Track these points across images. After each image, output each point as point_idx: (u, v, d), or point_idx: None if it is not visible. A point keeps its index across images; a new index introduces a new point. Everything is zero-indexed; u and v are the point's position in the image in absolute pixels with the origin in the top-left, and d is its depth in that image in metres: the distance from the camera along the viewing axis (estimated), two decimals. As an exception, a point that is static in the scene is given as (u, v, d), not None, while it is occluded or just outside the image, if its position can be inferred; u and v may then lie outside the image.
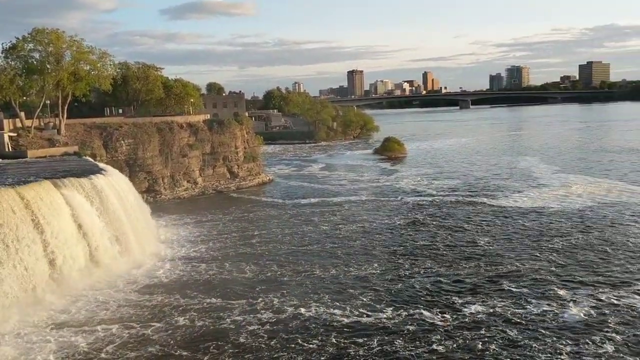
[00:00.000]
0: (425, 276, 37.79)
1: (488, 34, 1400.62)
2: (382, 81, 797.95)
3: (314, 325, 30.00)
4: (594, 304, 31.79)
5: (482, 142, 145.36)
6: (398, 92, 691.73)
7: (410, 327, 29.38)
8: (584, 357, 25.88)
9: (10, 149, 58.86)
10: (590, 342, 27.16)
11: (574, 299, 32.75)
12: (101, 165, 53.44)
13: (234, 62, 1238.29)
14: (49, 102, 71.26)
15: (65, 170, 45.84)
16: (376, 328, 29.51)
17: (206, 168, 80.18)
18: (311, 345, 27.67)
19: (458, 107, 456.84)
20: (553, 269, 38.45)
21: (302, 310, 32.03)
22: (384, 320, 30.47)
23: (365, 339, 28.21)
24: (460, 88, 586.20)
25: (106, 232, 40.60)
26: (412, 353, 26.76)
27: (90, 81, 69.56)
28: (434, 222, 53.82)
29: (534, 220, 52.76)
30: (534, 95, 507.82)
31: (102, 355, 27.24)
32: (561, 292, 33.77)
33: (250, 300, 33.83)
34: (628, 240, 44.80)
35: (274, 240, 48.97)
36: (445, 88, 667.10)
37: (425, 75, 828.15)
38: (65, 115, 68.68)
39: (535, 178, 79.04)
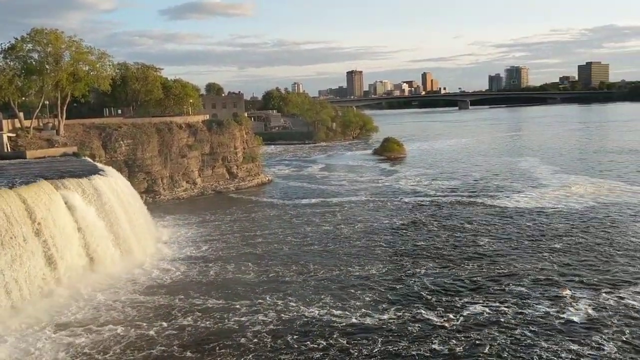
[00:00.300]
0: (427, 276, 37.72)
1: (487, 35, 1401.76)
2: (381, 82, 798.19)
3: (317, 325, 30.02)
4: (595, 304, 31.71)
5: (482, 143, 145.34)
6: (397, 93, 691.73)
7: (413, 328, 29.36)
8: (585, 358, 25.80)
9: (9, 150, 58.74)
10: (592, 343, 27.08)
11: (576, 299, 32.69)
12: (100, 165, 53.33)
13: (233, 63, 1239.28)
14: (47, 102, 71.15)
15: (64, 170, 45.70)
16: (379, 328, 29.49)
17: (205, 168, 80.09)
18: (315, 346, 27.72)
19: (457, 108, 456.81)
20: (554, 269, 38.38)
21: (306, 310, 32.06)
22: (387, 320, 30.45)
23: (369, 339, 28.21)
24: (460, 89, 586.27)
25: (105, 232, 40.50)
26: (415, 353, 26.73)
27: (89, 82, 69.46)
28: (435, 223, 53.74)
29: (534, 221, 52.69)
30: (533, 96, 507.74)
31: (109, 355, 27.27)
32: (562, 293, 33.68)
33: (254, 300, 33.81)
34: (629, 240, 44.75)
35: (275, 240, 48.88)
36: (445, 89, 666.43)
37: (424, 75, 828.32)
38: (64, 116, 68.56)
39: (535, 178, 78.99)
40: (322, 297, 34.20)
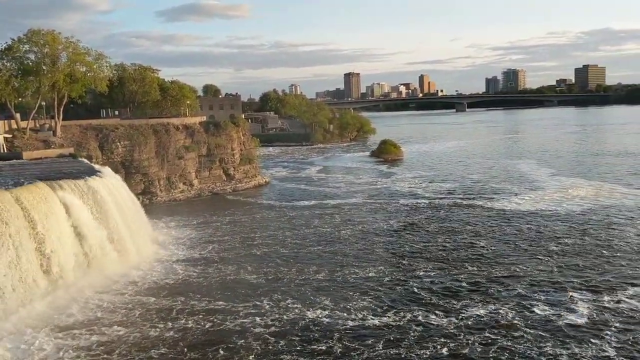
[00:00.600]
0: (426, 278, 37.69)
1: (484, 37, 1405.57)
2: (378, 84, 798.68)
3: (319, 327, 30.07)
4: (595, 306, 31.70)
5: (479, 145, 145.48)
6: (394, 95, 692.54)
7: (414, 330, 29.40)
8: (583, 361, 25.80)
9: (6, 151, 58.53)
10: (592, 345, 27.07)
11: (575, 301, 32.68)
12: (97, 167, 53.14)
13: (231, 64, 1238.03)
14: (44, 103, 71.00)
15: (61, 172, 45.53)
16: (380, 330, 29.54)
17: (202, 170, 79.95)
18: (317, 348, 27.79)
19: (454, 110, 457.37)
20: (553, 271, 38.37)
21: (307, 312, 32.08)
22: (387, 322, 30.47)
23: (370, 341, 28.25)
24: (457, 91, 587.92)
25: (102, 233, 40.32)
26: (416, 355, 26.75)
27: (86, 83, 69.30)
28: (432, 225, 53.70)
29: (532, 223, 52.67)
30: (530, 99, 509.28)
31: (114, 356, 27.28)
32: (561, 295, 33.68)
33: (255, 302, 33.80)
34: (627, 243, 44.76)
35: (274, 242, 48.81)
36: (442, 91, 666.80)
37: (421, 78, 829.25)
38: (61, 117, 68.37)
39: (532, 181, 79.03)
40: (323, 298, 34.18)
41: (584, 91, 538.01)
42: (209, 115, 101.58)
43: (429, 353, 26.95)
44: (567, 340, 27.66)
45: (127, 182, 58.05)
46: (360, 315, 31.53)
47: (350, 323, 30.49)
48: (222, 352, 27.67)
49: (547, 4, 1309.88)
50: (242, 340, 28.71)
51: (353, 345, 27.89)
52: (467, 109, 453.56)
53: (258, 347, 27.98)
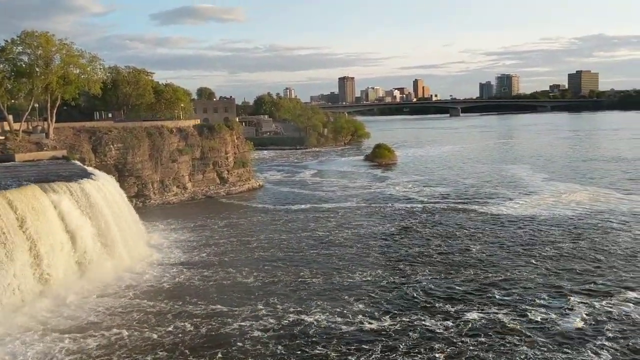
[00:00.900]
0: (422, 283, 37.59)
1: (478, 43, 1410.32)
2: (373, 88, 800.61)
3: (316, 332, 30.02)
4: (590, 311, 31.67)
5: (473, 150, 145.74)
6: (389, 99, 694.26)
7: (411, 334, 29.37)
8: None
9: (-2, 153, 58.08)
10: (587, 350, 27.02)
11: (570, 305, 32.65)
12: (90, 169, 52.78)
13: (225, 67, 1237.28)
14: (37, 105, 70.66)
15: (53, 174, 45.20)
16: (377, 334, 29.51)
17: (196, 173, 79.67)
18: (315, 352, 27.77)
19: (448, 115, 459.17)
20: (548, 276, 38.32)
21: (305, 316, 32.01)
22: (385, 327, 30.43)
23: (368, 345, 28.23)
24: (451, 96, 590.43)
25: (95, 236, 40.01)
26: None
27: (80, 85, 68.97)
28: (427, 229, 53.63)
29: (525, 228, 52.68)
30: (523, 104, 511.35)
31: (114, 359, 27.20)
32: (556, 299, 33.66)
33: (252, 306, 33.69)
34: (619, 248, 44.78)
35: (270, 246, 48.59)
36: (436, 96, 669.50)
37: (415, 82, 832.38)
38: (54, 119, 67.98)
39: (525, 186, 79.13)
40: (320, 302, 34.09)
41: (577, 97, 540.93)
42: (203, 118, 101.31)
43: (426, 358, 26.84)
44: (563, 345, 27.58)
45: (120, 185, 57.55)
46: (357, 319, 31.42)
47: (348, 327, 30.41)
48: (220, 355, 27.56)
49: (541, 9, 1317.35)
50: (241, 344, 28.62)
51: (352, 349, 27.86)
52: (461, 114, 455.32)
53: (257, 351, 27.91)
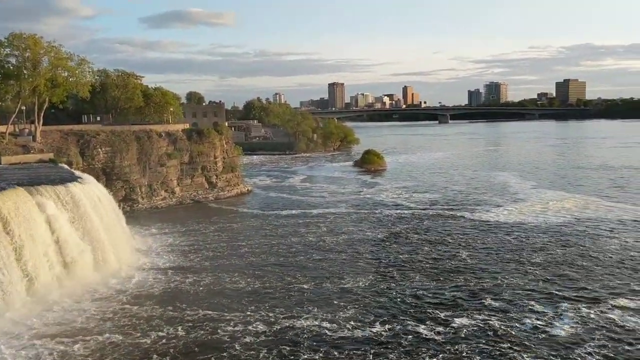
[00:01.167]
0: (411, 289, 37.56)
1: (467, 50, 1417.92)
2: (362, 94, 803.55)
3: (307, 337, 29.94)
4: (577, 318, 31.78)
5: (461, 157, 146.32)
6: (378, 106, 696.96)
7: (402, 340, 29.41)
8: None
9: (-16, 155, 57.36)
10: (574, 356, 27.07)
11: (558, 312, 32.76)
12: (77, 173, 52.30)
13: (215, 72, 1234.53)
14: (24, 108, 69.93)
15: (40, 177, 44.72)
16: (368, 340, 29.52)
17: (184, 178, 79.21)
18: (306, 358, 27.69)
19: (437, 122, 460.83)
20: (535, 282, 38.41)
21: (296, 322, 31.90)
22: (376, 332, 30.39)
23: (359, 351, 28.22)
24: (440, 103, 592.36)
25: (81, 240, 39.56)
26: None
27: (68, 88, 68.44)
28: (416, 235, 53.63)
29: (513, 234, 52.84)
30: (511, 112, 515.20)
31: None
32: (545, 306, 33.73)
33: (244, 312, 33.54)
34: (607, 255, 45.01)
35: (260, 251, 48.43)
36: (425, 102, 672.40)
37: (405, 89, 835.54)
38: (41, 122, 67.34)
39: (513, 193, 79.45)
40: (311, 308, 34.00)
41: (565, 105, 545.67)
42: (192, 122, 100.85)
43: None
44: (552, 351, 27.63)
45: (108, 188, 57.07)
46: (347, 325, 31.36)
47: (339, 333, 30.33)
48: (213, 360, 27.31)
49: (530, 19, 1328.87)
50: (232, 350, 28.45)
51: (343, 355, 27.82)
52: (449, 121, 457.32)
53: (248, 357, 27.76)
